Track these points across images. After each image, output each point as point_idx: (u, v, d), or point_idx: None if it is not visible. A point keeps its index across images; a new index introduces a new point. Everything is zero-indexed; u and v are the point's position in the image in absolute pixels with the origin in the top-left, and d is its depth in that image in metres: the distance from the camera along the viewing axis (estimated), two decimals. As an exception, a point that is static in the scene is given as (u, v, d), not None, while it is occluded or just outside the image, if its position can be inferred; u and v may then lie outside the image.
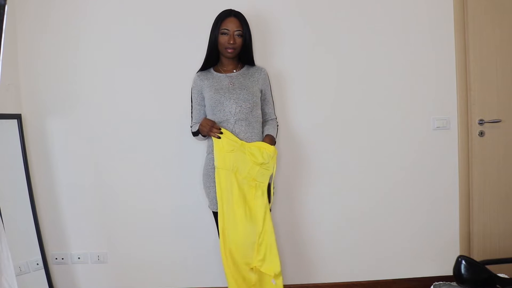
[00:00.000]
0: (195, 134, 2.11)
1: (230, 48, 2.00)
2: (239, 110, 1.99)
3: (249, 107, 2.01)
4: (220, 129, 1.96)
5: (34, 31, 2.36)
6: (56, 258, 2.42)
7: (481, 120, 2.47)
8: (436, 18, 2.48)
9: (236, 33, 2.00)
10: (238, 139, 1.97)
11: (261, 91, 2.12)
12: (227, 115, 1.99)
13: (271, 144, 2.00)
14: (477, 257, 2.38)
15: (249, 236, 1.94)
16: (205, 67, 2.12)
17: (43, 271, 2.28)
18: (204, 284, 2.44)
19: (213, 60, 2.10)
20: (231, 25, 1.99)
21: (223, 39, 2.00)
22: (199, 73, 2.12)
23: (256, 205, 1.96)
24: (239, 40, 2.01)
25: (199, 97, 2.10)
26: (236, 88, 2.03)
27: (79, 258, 2.43)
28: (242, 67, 2.14)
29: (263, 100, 2.13)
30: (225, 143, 1.95)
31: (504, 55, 2.47)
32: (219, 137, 1.94)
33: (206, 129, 1.97)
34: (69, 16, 2.37)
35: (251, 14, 2.11)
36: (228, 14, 2.01)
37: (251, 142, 2.00)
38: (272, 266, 1.95)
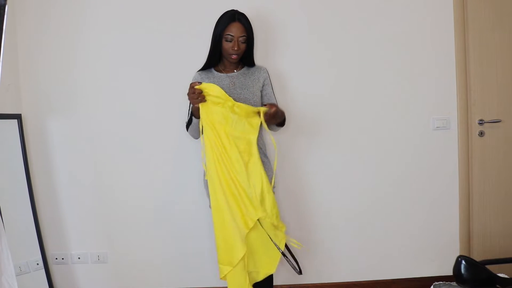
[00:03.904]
0: (188, 125, 2.07)
1: (234, 54, 1.99)
2: None
3: (250, 107, 2.00)
4: (201, 91, 1.85)
5: (34, 31, 2.36)
6: (56, 258, 2.42)
7: (481, 120, 2.47)
8: (436, 19, 2.48)
9: (240, 39, 1.97)
10: (223, 92, 1.88)
11: (263, 89, 2.11)
12: None
13: (277, 112, 1.90)
14: (477, 257, 2.38)
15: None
16: (206, 67, 2.11)
17: (43, 271, 2.28)
18: (205, 284, 2.44)
19: (215, 61, 2.09)
20: (235, 31, 1.96)
21: (227, 45, 1.98)
22: (199, 72, 2.11)
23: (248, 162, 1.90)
24: (243, 46, 2.00)
25: None
26: (237, 88, 2.03)
27: (79, 258, 2.43)
28: (242, 67, 2.13)
29: (264, 96, 2.11)
30: (210, 100, 1.88)
31: (504, 56, 2.47)
32: (205, 100, 1.88)
33: (191, 98, 1.88)
34: (69, 16, 2.37)
35: (252, 14, 2.09)
36: (232, 18, 1.97)
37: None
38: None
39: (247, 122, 1.91)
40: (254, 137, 1.93)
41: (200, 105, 1.88)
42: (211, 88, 1.88)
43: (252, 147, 1.92)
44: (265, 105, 1.96)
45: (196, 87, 1.85)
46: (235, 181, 1.89)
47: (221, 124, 1.90)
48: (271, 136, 2.00)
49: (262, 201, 1.88)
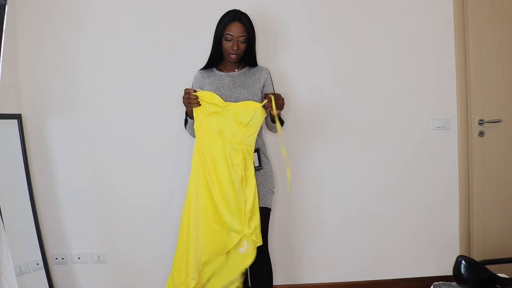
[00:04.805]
0: (186, 124, 2.09)
1: (234, 54, 1.98)
2: None
3: (249, 106, 2.00)
4: (196, 96, 1.90)
5: (34, 31, 2.36)
6: (56, 258, 2.42)
7: (481, 120, 2.47)
8: (436, 18, 2.48)
9: (240, 39, 1.97)
10: (221, 100, 1.92)
11: (263, 90, 2.10)
12: None
13: (277, 114, 1.88)
14: (477, 257, 2.38)
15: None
16: (208, 66, 2.12)
17: (43, 271, 2.28)
18: (204, 284, 2.44)
19: (216, 60, 2.09)
20: (235, 30, 1.95)
21: (226, 44, 1.98)
22: (201, 71, 2.11)
23: (246, 175, 1.89)
24: (243, 46, 1.99)
25: None
26: (237, 87, 2.03)
27: (79, 258, 2.43)
28: (244, 67, 2.13)
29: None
30: (204, 109, 1.91)
31: (503, 55, 2.47)
32: (200, 104, 1.91)
33: (185, 102, 1.93)
34: (69, 16, 2.36)
35: (254, 14, 2.09)
36: (233, 18, 1.97)
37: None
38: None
39: (246, 132, 1.92)
40: (252, 149, 1.93)
41: (194, 109, 1.92)
42: (206, 96, 1.92)
43: (248, 160, 1.92)
44: (265, 95, 1.93)
45: (192, 93, 1.90)
46: (217, 194, 1.90)
47: (213, 135, 1.92)
48: (282, 147, 1.95)
49: (250, 218, 1.87)
